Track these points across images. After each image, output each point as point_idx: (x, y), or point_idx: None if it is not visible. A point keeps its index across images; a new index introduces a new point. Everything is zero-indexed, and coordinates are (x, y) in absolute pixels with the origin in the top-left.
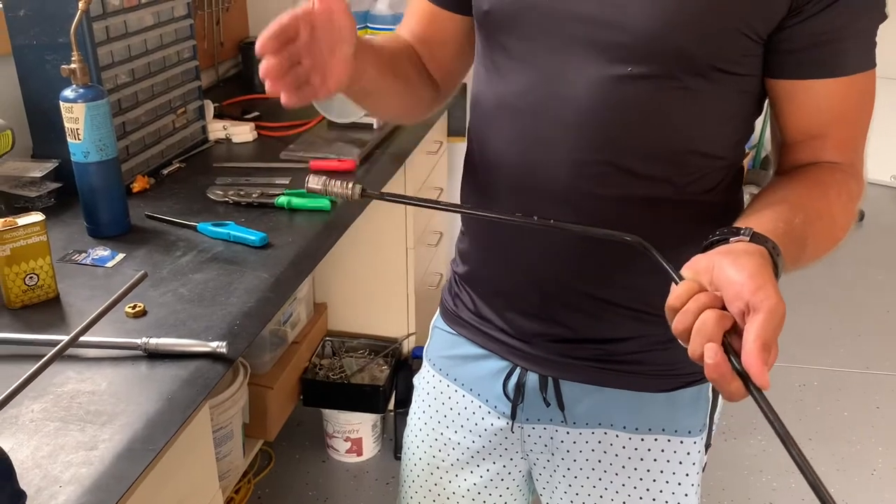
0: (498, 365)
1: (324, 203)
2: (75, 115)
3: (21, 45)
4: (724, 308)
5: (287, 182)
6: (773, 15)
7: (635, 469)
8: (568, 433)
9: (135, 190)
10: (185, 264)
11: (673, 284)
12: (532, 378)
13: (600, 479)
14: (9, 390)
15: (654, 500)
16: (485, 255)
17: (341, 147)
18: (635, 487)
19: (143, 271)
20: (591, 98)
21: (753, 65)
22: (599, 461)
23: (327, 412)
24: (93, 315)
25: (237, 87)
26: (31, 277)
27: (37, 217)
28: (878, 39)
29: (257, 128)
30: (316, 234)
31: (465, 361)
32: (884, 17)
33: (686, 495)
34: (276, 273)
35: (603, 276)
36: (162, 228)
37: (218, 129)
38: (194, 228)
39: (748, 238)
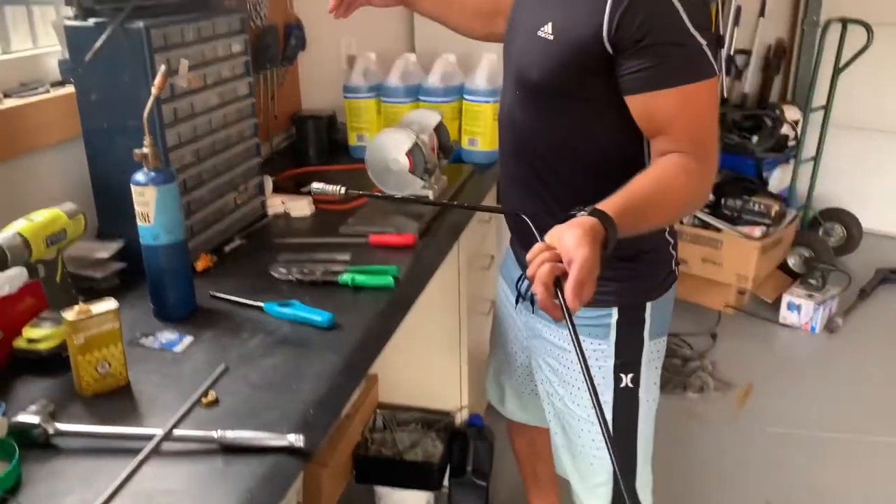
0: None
1: (387, 280)
2: (146, 198)
3: (92, 128)
4: (561, 262)
5: (348, 258)
6: (600, 60)
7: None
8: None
9: (199, 269)
10: (253, 348)
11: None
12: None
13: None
14: (106, 493)
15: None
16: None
17: (399, 221)
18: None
19: (223, 365)
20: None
21: (595, 89)
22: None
23: (380, 489)
24: (179, 413)
25: (290, 160)
26: (102, 366)
27: (110, 304)
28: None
29: (314, 201)
30: (381, 312)
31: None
32: (694, 45)
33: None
34: (344, 355)
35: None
36: (227, 309)
37: (276, 204)
38: (260, 309)
39: (588, 213)
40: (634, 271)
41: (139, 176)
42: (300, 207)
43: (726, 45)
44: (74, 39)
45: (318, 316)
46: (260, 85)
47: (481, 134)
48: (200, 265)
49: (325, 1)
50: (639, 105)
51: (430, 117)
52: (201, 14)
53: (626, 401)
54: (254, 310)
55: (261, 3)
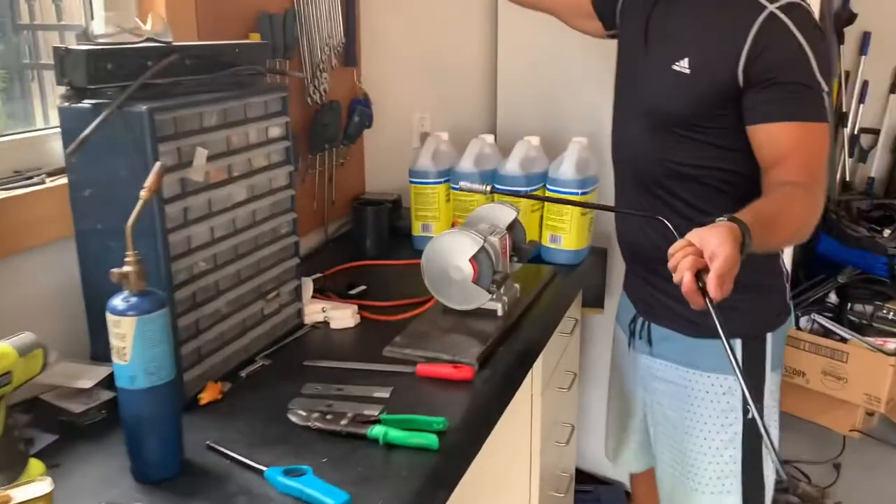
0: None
1: (429, 440)
2: (123, 330)
3: (84, 229)
4: (702, 258)
5: (387, 395)
6: (732, 92)
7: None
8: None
9: (202, 402)
10: None
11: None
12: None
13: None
14: None
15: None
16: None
17: (458, 342)
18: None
19: None
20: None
21: (723, 119)
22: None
23: None
24: None
25: (346, 251)
26: None
27: (40, 489)
28: None
29: (360, 308)
30: (417, 488)
31: None
32: (818, 88)
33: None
34: None
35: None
36: (224, 467)
37: (315, 312)
38: (261, 474)
39: (727, 219)
40: (755, 302)
41: (117, 301)
42: (343, 318)
43: (850, 124)
44: (68, 124)
45: (332, 498)
46: (316, 167)
47: (566, 231)
48: (206, 397)
49: (396, 74)
50: (762, 134)
51: (504, 213)
52: (231, 94)
53: (754, 434)
54: (254, 473)
55: (320, 78)
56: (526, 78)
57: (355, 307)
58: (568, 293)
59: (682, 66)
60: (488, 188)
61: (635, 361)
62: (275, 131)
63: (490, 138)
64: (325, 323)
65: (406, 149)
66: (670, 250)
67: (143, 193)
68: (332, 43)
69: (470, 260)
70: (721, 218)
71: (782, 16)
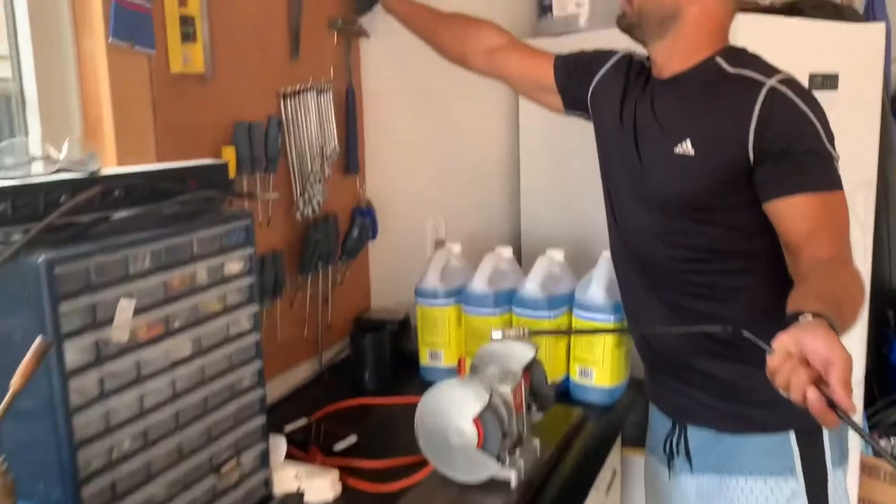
0: None
1: None
2: None
3: None
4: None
5: None
6: (742, 170)
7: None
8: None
9: None
10: None
11: (768, 355)
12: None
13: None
14: None
15: None
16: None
17: None
18: None
19: None
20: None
21: (736, 198)
22: None
23: None
24: None
25: (344, 384)
26: None
27: None
28: None
29: (345, 472)
30: None
31: None
32: (829, 156)
33: None
34: None
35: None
36: None
37: (288, 479)
38: None
39: (811, 317)
40: None
41: None
42: (320, 488)
43: None
44: None
45: None
46: (307, 288)
47: (598, 363)
48: None
49: (407, 177)
50: (783, 209)
51: (521, 351)
52: (173, 229)
53: None
54: None
55: (313, 190)
56: (549, 179)
57: (336, 473)
58: (603, 440)
59: (685, 148)
60: (525, 332)
61: (679, 490)
62: (234, 266)
63: (507, 252)
64: (299, 495)
65: (418, 259)
66: (771, 366)
67: (13, 383)
68: (327, 151)
69: (474, 421)
70: (804, 316)
71: (783, 88)
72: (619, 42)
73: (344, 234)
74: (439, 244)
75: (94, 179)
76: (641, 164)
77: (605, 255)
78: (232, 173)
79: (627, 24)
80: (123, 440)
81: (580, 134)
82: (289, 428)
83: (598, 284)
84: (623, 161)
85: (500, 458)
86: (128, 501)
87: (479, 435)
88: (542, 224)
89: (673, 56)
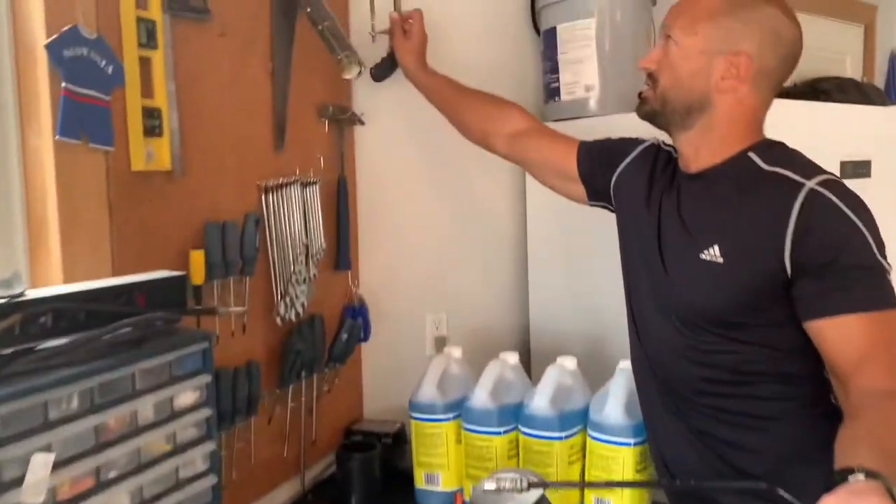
0: None
1: None
2: None
3: None
4: None
5: None
6: (777, 282)
7: None
8: None
9: None
10: None
11: None
12: None
13: None
14: None
15: None
16: None
17: None
18: None
19: None
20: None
21: (770, 314)
22: None
23: None
24: None
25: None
26: None
27: None
28: None
29: None
30: None
31: None
32: (880, 268)
33: None
34: None
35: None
36: None
37: None
38: None
39: (863, 476)
40: None
41: None
42: None
43: None
44: None
45: None
46: (288, 402)
47: (617, 492)
48: None
49: (405, 270)
50: (828, 331)
51: (524, 498)
52: (108, 362)
53: None
54: None
55: (296, 292)
56: (561, 270)
57: None
58: None
59: (713, 254)
60: (525, 482)
61: None
62: (187, 398)
63: (513, 358)
64: None
65: (417, 359)
66: None
67: None
68: (312, 249)
69: None
70: (856, 475)
71: (824, 191)
72: (633, 128)
73: (332, 337)
74: (440, 342)
75: (13, 305)
76: (664, 269)
77: (623, 366)
78: (200, 280)
79: (649, 112)
80: None
81: (596, 222)
82: None
83: (616, 401)
84: (645, 263)
85: None
86: None
87: None
88: (554, 319)
89: (701, 149)
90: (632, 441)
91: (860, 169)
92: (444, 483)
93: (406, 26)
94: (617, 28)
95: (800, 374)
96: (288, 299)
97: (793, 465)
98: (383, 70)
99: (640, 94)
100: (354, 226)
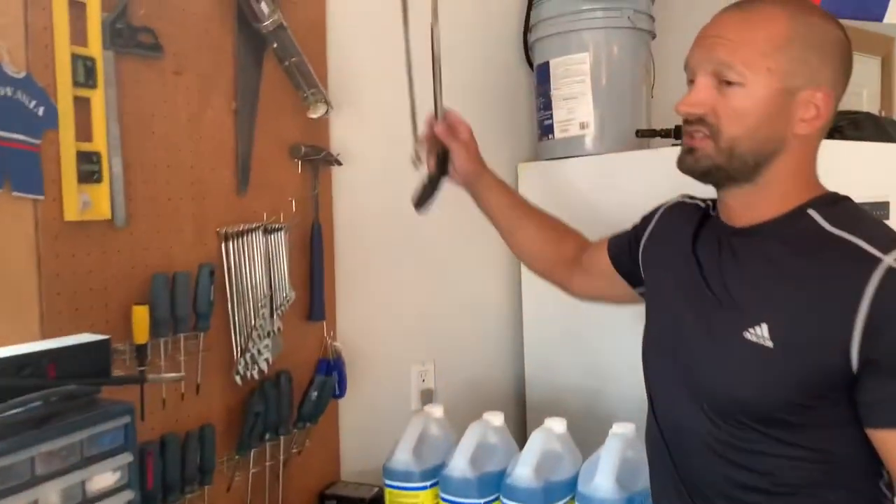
0: None
1: None
2: None
3: None
4: None
5: None
6: (838, 376)
7: None
8: None
9: None
10: None
11: None
12: None
13: None
14: None
15: None
16: None
17: None
18: None
19: None
20: None
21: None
22: None
23: None
24: None
25: None
26: None
27: None
28: None
29: None
30: None
31: None
32: None
33: None
34: None
35: None
36: None
37: None
38: None
39: None
40: None
41: None
42: None
43: None
44: None
45: None
46: (249, 468)
47: None
48: None
49: (389, 319)
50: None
51: None
52: (3, 446)
53: None
54: None
55: (260, 348)
56: (557, 315)
57: None
58: None
59: (760, 334)
60: None
61: None
62: (103, 481)
63: (497, 419)
64: None
65: (402, 415)
66: None
67: None
68: (277, 300)
69: None
70: None
71: None
72: (631, 168)
73: (302, 396)
74: (426, 395)
75: None
76: (699, 343)
77: (617, 430)
78: (143, 338)
79: (709, 168)
80: None
81: None
82: None
83: (606, 472)
84: (675, 332)
85: None
86: None
87: None
88: (551, 368)
89: (756, 202)
90: None
91: (878, 210)
92: None
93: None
94: (613, 63)
95: (855, 486)
96: (249, 356)
97: None
98: (426, 194)
99: (688, 146)
100: (331, 273)
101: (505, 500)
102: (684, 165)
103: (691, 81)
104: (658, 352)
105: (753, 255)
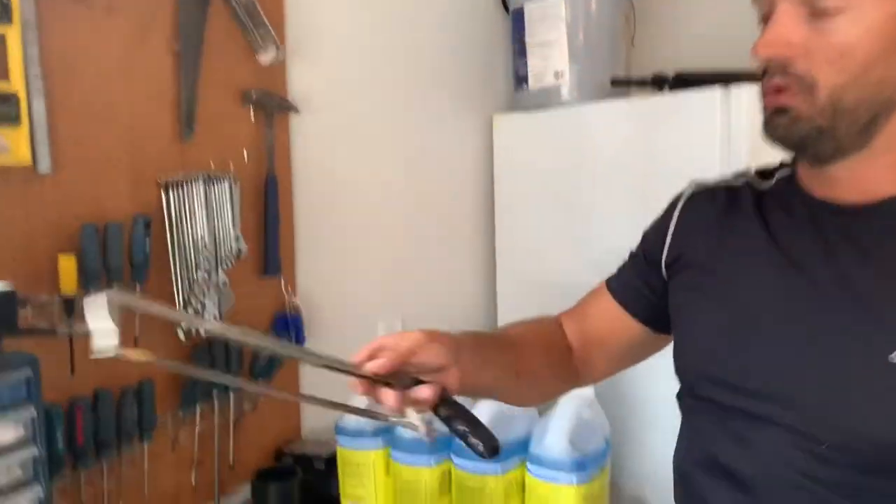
0: None
1: None
2: None
3: None
4: None
5: None
6: None
7: None
8: None
9: None
10: None
11: None
12: None
13: None
14: None
15: None
16: None
17: None
18: None
19: None
20: None
21: None
22: None
23: None
24: None
25: None
26: None
27: None
28: None
29: None
30: None
31: None
32: None
33: None
34: None
35: None
36: None
37: None
38: None
39: None
40: None
41: None
42: None
43: None
44: None
45: None
46: (196, 423)
47: None
48: None
49: (353, 272)
50: None
51: None
52: None
53: None
54: None
55: (204, 302)
56: (531, 269)
57: None
58: None
59: None
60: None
61: None
62: (3, 435)
63: None
64: None
65: None
66: None
67: None
68: (221, 253)
69: None
70: None
71: None
72: (609, 121)
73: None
74: None
75: None
76: (816, 367)
77: (572, 394)
78: (70, 289)
79: (809, 133)
80: None
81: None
82: None
83: (557, 432)
84: (768, 352)
85: None
86: None
87: None
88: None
89: (874, 171)
90: (573, 476)
91: None
92: None
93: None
94: (591, 9)
95: None
96: (191, 310)
97: None
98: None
99: (775, 106)
100: (289, 226)
101: (455, 460)
102: (776, 132)
103: (765, 19)
104: (733, 378)
105: (884, 240)
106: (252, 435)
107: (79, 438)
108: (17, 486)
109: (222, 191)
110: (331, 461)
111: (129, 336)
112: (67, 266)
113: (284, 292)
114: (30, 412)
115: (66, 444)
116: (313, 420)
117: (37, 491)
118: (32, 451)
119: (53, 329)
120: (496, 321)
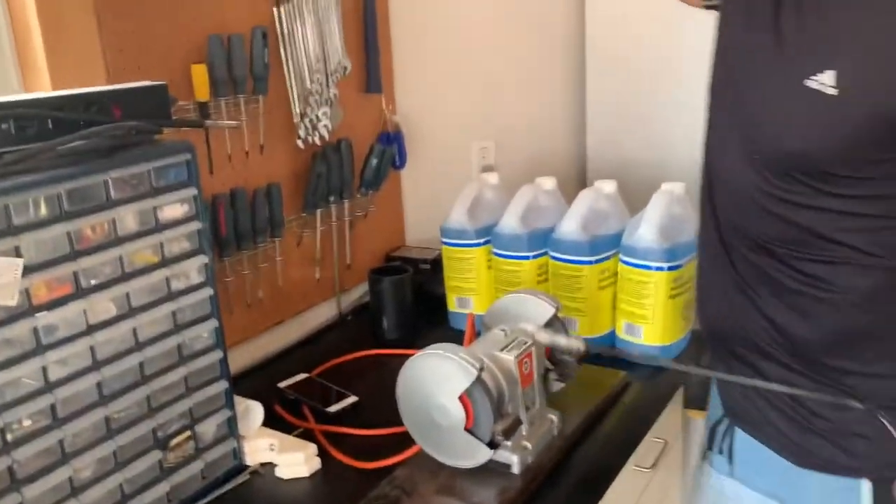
0: None
1: None
2: None
3: None
4: None
5: None
6: None
7: None
8: None
9: None
10: None
11: None
12: None
13: None
14: None
15: None
16: None
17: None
18: None
19: None
20: None
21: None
22: None
23: None
24: None
25: (365, 330)
26: None
27: None
28: None
29: (331, 439)
30: None
31: None
32: None
33: None
34: None
35: None
36: None
37: (261, 450)
38: None
39: None
40: None
41: None
42: (294, 464)
43: None
44: None
45: None
46: (317, 226)
47: (648, 319)
48: None
49: (450, 95)
50: None
51: (537, 310)
52: (79, 169)
53: None
54: None
55: (319, 114)
56: (621, 90)
57: (313, 448)
58: (651, 407)
59: (823, 81)
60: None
61: (703, 486)
62: (173, 211)
63: (549, 183)
64: (272, 469)
65: (462, 188)
66: None
67: None
68: (330, 68)
69: (460, 398)
70: None
71: None
72: None
73: (362, 163)
74: (487, 171)
75: None
76: (752, 86)
77: (665, 188)
78: (204, 95)
79: None
80: (19, 419)
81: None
82: (284, 384)
83: (650, 225)
84: (731, 81)
85: (493, 444)
86: (38, 484)
87: (467, 415)
88: (612, 146)
89: None
90: (665, 265)
91: None
92: (476, 307)
93: None
94: None
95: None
96: (308, 121)
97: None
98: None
99: None
100: (387, 47)
101: (552, 253)
102: None
103: None
104: (722, 99)
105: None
106: (364, 240)
107: (222, 229)
108: (188, 255)
109: (328, 6)
110: (436, 263)
111: (253, 145)
112: (200, 74)
113: (385, 110)
114: (192, 192)
115: (212, 234)
116: (415, 231)
117: (202, 259)
118: (197, 225)
119: (201, 122)
120: (585, 145)
